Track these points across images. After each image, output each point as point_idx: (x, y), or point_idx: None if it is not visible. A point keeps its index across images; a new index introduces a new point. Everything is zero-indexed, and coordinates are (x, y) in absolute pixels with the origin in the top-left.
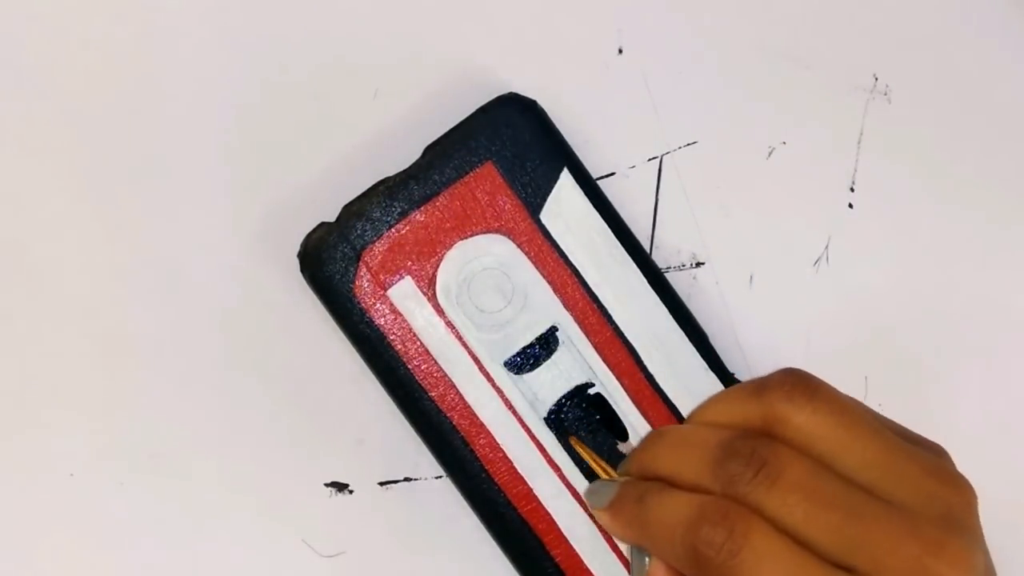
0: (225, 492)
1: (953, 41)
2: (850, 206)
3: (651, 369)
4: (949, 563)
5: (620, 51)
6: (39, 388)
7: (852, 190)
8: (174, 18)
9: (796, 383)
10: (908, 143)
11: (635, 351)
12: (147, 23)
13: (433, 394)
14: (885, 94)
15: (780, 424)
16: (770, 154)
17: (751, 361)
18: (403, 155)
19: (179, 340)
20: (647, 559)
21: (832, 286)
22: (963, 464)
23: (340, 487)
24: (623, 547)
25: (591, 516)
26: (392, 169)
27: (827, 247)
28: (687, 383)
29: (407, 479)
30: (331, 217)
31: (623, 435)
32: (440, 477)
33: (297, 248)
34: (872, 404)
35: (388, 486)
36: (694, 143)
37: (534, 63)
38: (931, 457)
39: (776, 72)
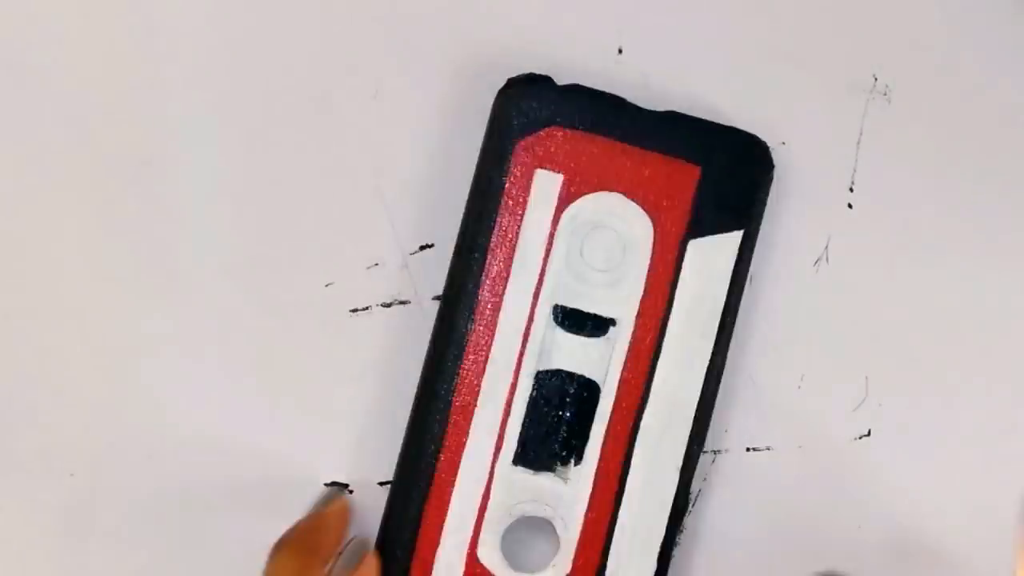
0: (225, 492)
1: (953, 41)
2: (850, 206)
3: (643, 422)
4: None
5: (620, 51)
6: (39, 388)
7: (852, 190)
8: (174, 18)
9: None
10: (908, 143)
11: (645, 401)
12: (147, 22)
13: (488, 268)
14: (885, 94)
15: None
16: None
17: (751, 360)
18: (403, 155)
19: (179, 340)
20: None
21: (832, 286)
22: (962, 464)
23: (340, 487)
24: None
25: (492, 469)
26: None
27: (827, 247)
28: (655, 463)
29: None
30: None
31: (574, 455)
32: None
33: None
34: (872, 404)
35: (388, 486)
36: None
37: (534, 64)
38: None
39: (776, 72)
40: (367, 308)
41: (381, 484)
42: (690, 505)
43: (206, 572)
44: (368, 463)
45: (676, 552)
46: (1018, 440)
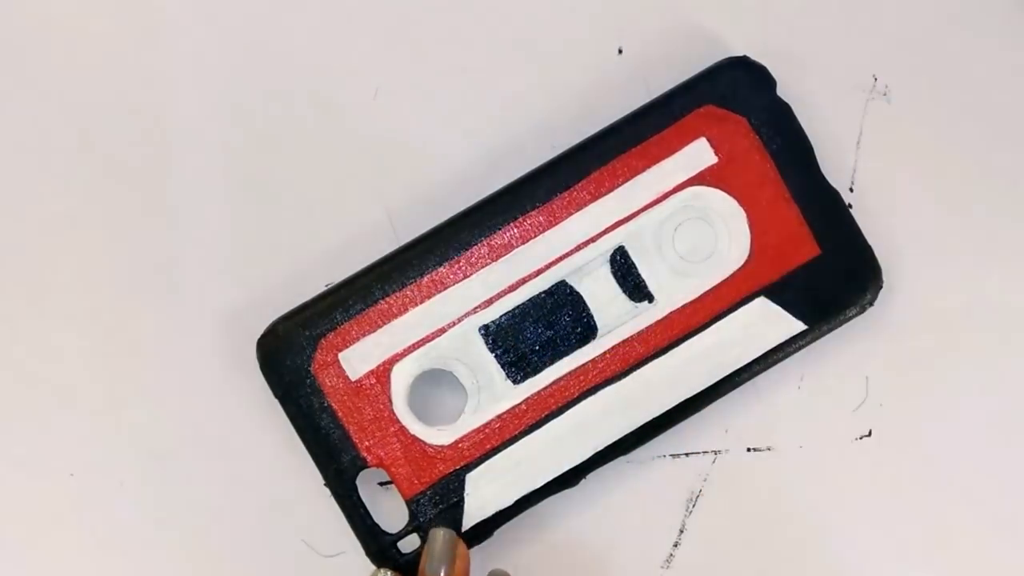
0: (225, 492)
1: (953, 41)
2: (849, 206)
3: (601, 392)
4: None
5: (620, 51)
6: (39, 388)
7: (851, 190)
8: (175, 18)
9: None
10: (908, 143)
11: (617, 380)
12: (147, 23)
13: (614, 163)
14: (885, 94)
15: None
16: None
17: None
18: (403, 155)
19: (179, 340)
20: None
21: None
22: (963, 466)
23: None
24: None
25: None
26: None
27: None
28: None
29: None
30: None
31: (527, 370)
32: None
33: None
34: (872, 404)
35: (388, 486)
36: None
37: (533, 64)
38: None
39: (776, 72)
40: None
41: (381, 484)
42: (691, 505)
43: (206, 572)
44: None
45: (676, 552)
46: (1018, 440)
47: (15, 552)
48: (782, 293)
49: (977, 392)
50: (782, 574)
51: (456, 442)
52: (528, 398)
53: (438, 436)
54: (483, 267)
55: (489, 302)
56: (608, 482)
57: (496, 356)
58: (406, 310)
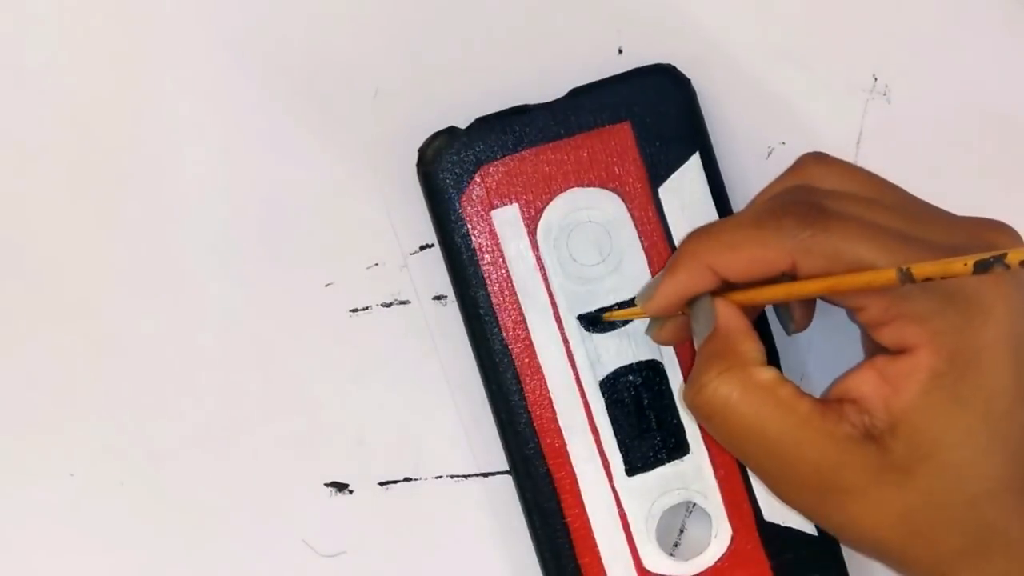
0: (225, 492)
1: (953, 41)
2: None
3: None
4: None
5: (620, 51)
6: (39, 388)
7: None
8: (174, 17)
9: (816, 154)
10: (908, 143)
11: None
12: (147, 22)
13: (503, 322)
14: (885, 94)
15: (816, 181)
16: (769, 154)
17: None
18: (404, 155)
19: (179, 340)
20: (706, 311)
21: None
22: None
23: (340, 487)
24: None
25: (613, 489)
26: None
27: None
28: None
29: (407, 479)
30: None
31: (673, 439)
32: (440, 477)
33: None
34: None
35: (388, 486)
36: None
37: (533, 64)
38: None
39: (776, 72)
40: (367, 308)
41: (381, 484)
42: (691, 505)
43: (206, 572)
44: (368, 463)
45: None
46: None
47: (15, 552)
48: (660, 169)
49: None
50: None
51: None
52: (703, 436)
53: None
54: (573, 460)
55: (605, 462)
56: None
57: (658, 468)
58: (595, 545)
